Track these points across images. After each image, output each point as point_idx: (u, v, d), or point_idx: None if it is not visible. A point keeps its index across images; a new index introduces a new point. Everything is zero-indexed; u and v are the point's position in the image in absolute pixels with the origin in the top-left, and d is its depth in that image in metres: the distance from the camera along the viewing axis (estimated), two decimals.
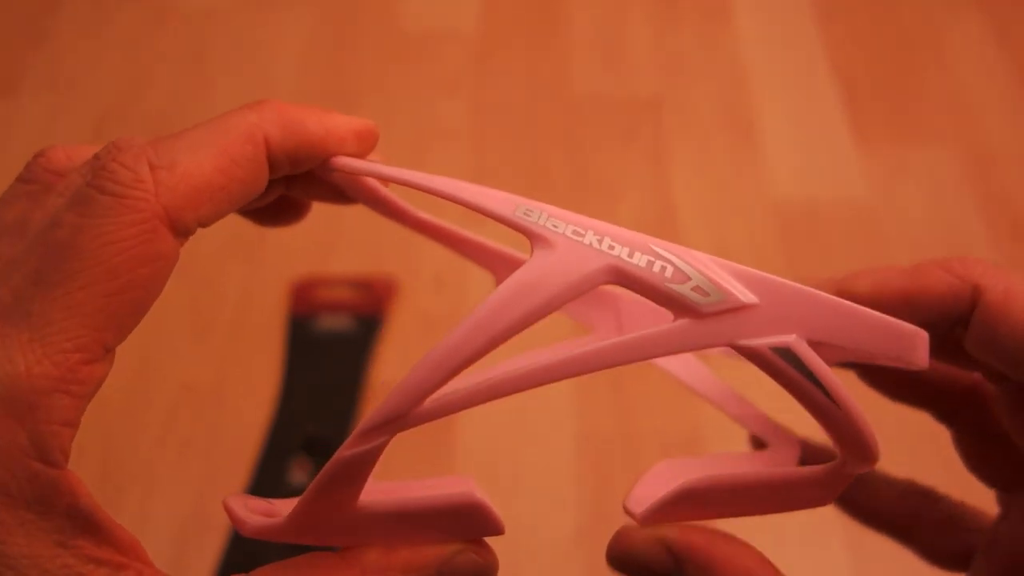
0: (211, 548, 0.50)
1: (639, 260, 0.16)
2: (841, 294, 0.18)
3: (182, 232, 0.16)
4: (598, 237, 0.16)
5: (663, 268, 0.16)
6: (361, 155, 0.19)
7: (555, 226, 0.17)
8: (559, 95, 0.74)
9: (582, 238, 0.16)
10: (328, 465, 0.17)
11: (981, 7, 0.82)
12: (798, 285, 0.16)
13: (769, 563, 0.18)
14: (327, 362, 0.58)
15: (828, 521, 0.51)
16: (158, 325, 0.59)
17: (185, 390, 0.57)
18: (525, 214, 0.17)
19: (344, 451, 0.17)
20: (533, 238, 0.17)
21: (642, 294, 0.16)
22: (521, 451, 0.54)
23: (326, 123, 0.18)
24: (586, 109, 0.73)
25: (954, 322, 0.17)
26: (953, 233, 0.65)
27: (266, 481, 0.52)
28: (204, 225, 0.16)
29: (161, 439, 0.55)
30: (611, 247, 0.16)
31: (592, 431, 0.54)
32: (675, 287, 0.16)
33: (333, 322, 0.60)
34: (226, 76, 0.75)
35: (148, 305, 0.15)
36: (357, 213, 0.74)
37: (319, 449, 0.54)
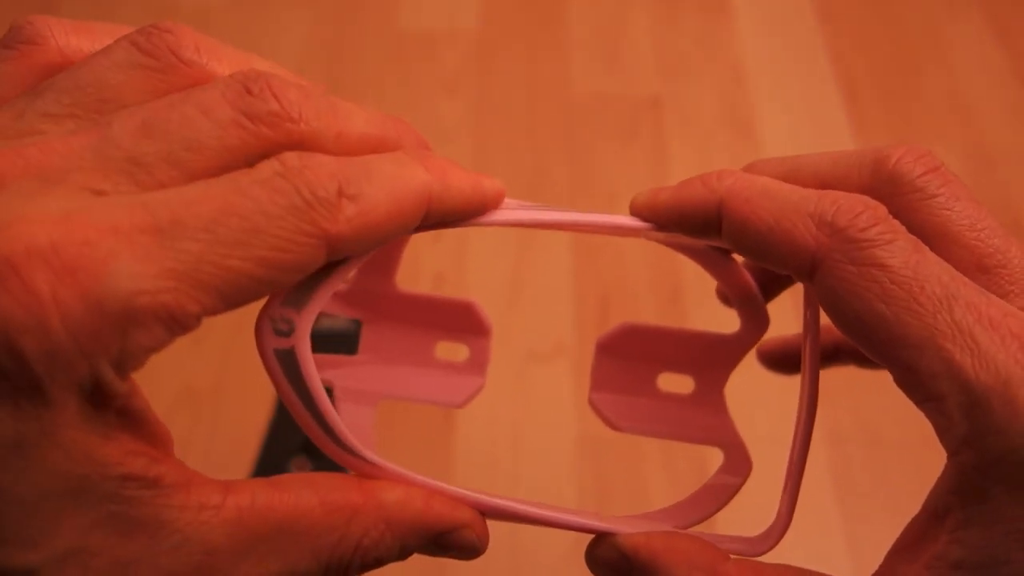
0: None
1: None
2: (632, 205, 0.21)
3: (332, 256, 0.16)
4: None
5: None
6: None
7: None
8: (559, 95, 0.74)
9: None
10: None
11: (981, 7, 0.82)
12: None
13: (710, 546, 0.19)
14: None
15: (829, 516, 0.51)
16: None
17: (185, 391, 0.57)
18: None
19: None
20: None
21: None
22: (521, 452, 0.54)
23: (478, 188, 0.19)
24: (586, 109, 0.73)
25: (711, 226, 0.19)
26: None
27: None
28: (346, 255, 0.17)
29: None
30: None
31: (592, 433, 0.54)
32: None
33: (333, 322, 0.60)
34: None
35: (256, 300, 0.16)
36: None
37: (319, 449, 0.54)
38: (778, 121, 0.73)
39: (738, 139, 0.71)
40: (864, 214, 0.17)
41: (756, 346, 0.28)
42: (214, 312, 0.16)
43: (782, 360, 0.30)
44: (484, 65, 0.77)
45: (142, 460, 0.16)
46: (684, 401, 0.26)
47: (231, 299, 0.16)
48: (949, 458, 0.17)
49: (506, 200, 0.20)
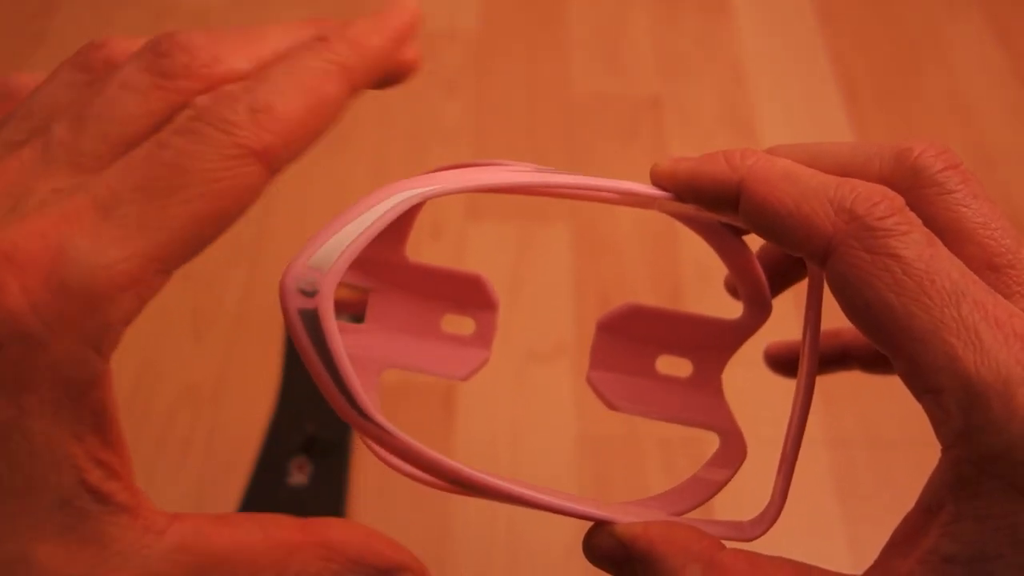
0: None
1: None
2: (652, 173, 0.22)
3: (275, 169, 0.17)
4: None
5: None
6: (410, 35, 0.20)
7: None
8: (559, 95, 0.74)
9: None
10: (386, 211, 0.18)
11: (981, 7, 0.82)
12: None
13: (706, 535, 0.19)
14: None
15: (831, 518, 0.51)
16: (159, 325, 0.59)
17: (185, 390, 0.57)
18: None
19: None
20: None
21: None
22: (521, 451, 0.54)
23: (392, 32, 0.19)
24: (586, 109, 0.73)
25: (728, 203, 0.20)
26: None
27: (266, 481, 0.52)
28: (292, 161, 0.18)
29: (161, 439, 0.54)
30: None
31: (592, 432, 0.54)
32: None
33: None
34: None
35: (219, 235, 0.17)
36: None
37: (319, 449, 0.54)
38: (778, 121, 0.73)
39: (738, 139, 0.71)
40: (882, 204, 0.17)
41: (763, 349, 0.29)
42: (179, 262, 0.16)
43: (788, 363, 0.30)
44: (484, 65, 0.77)
45: (100, 472, 0.16)
46: (682, 384, 0.26)
47: (188, 245, 0.16)
48: (944, 452, 0.17)
49: (514, 163, 0.20)
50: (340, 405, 0.18)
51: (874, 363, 0.28)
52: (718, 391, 0.25)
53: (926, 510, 0.17)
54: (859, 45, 0.79)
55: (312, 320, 0.17)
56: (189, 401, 0.56)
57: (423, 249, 0.63)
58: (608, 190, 0.21)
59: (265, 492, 0.52)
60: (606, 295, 0.61)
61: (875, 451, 0.54)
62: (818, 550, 0.50)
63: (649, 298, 0.61)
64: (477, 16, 0.80)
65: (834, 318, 0.27)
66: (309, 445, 0.54)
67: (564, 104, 0.74)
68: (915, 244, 0.17)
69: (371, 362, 0.24)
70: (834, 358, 0.28)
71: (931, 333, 0.16)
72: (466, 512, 0.51)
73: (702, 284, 0.62)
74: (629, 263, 0.63)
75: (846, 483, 0.53)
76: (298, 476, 0.53)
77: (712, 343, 0.25)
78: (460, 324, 0.26)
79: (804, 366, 0.21)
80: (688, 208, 0.22)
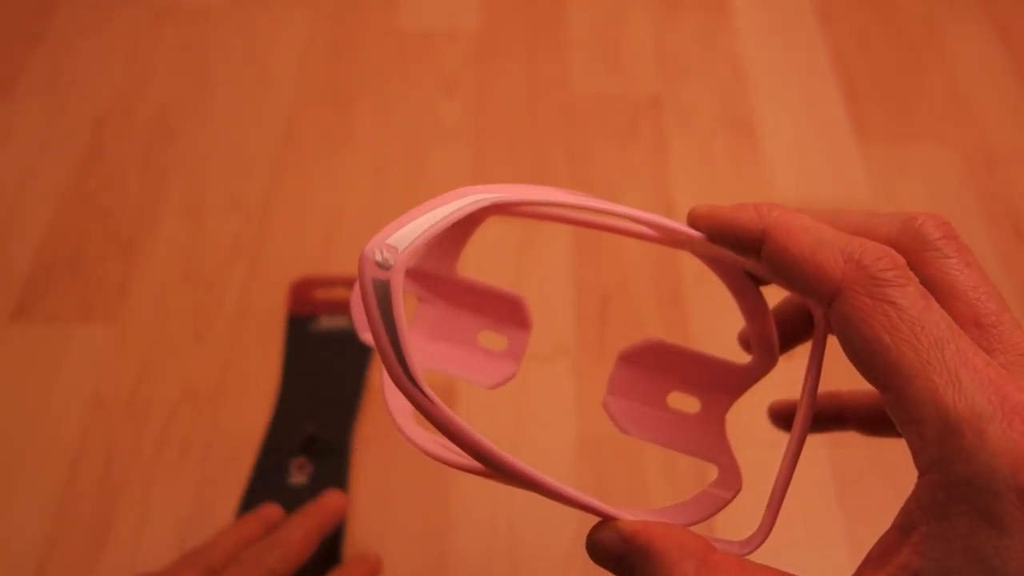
0: None
1: None
2: (690, 215, 0.24)
3: None
4: None
5: None
6: None
7: None
8: (559, 95, 0.74)
9: None
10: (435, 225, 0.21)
11: (981, 7, 0.82)
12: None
13: (701, 537, 0.21)
14: (327, 362, 0.57)
15: (831, 518, 0.51)
16: (159, 326, 0.59)
17: (185, 391, 0.57)
18: None
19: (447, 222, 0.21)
20: None
21: None
22: (521, 452, 0.54)
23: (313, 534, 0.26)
24: (586, 109, 0.73)
25: (753, 247, 0.23)
26: None
27: (266, 481, 0.52)
28: None
29: (161, 440, 0.54)
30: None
31: (593, 433, 0.54)
32: None
33: (333, 322, 0.60)
34: (225, 76, 0.75)
35: None
36: (356, 214, 0.74)
37: (319, 449, 0.54)
38: (778, 121, 0.73)
39: (738, 139, 0.71)
40: (885, 259, 0.20)
41: (767, 406, 0.30)
42: None
43: (789, 419, 0.32)
44: (484, 65, 0.77)
45: None
46: (689, 419, 0.28)
47: None
48: (920, 477, 0.19)
49: (551, 189, 0.22)
50: (394, 370, 0.20)
51: (869, 425, 0.31)
52: (721, 429, 0.27)
53: (900, 530, 0.19)
54: (859, 45, 0.79)
55: (384, 290, 0.19)
56: (189, 401, 0.56)
57: None
58: (651, 224, 0.23)
59: (265, 492, 0.52)
60: (606, 295, 0.61)
61: (875, 451, 0.54)
62: (818, 550, 0.50)
63: (649, 300, 0.61)
64: (477, 16, 0.80)
65: (834, 377, 0.28)
66: (309, 445, 0.54)
67: (564, 104, 0.74)
68: (911, 296, 0.20)
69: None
70: (832, 417, 0.31)
71: (917, 371, 0.19)
72: (466, 512, 0.52)
73: (703, 284, 0.62)
74: (629, 263, 0.63)
75: (846, 483, 0.53)
76: (298, 476, 0.53)
77: (721, 385, 0.27)
78: (494, 341, 0.28)
79: (802, 409, 0.23)
80: (718, 250, 0.24)
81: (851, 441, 0.55)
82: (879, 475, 0.53)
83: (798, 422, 0.23)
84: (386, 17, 0.81)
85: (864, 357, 0.20)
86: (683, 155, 0.70)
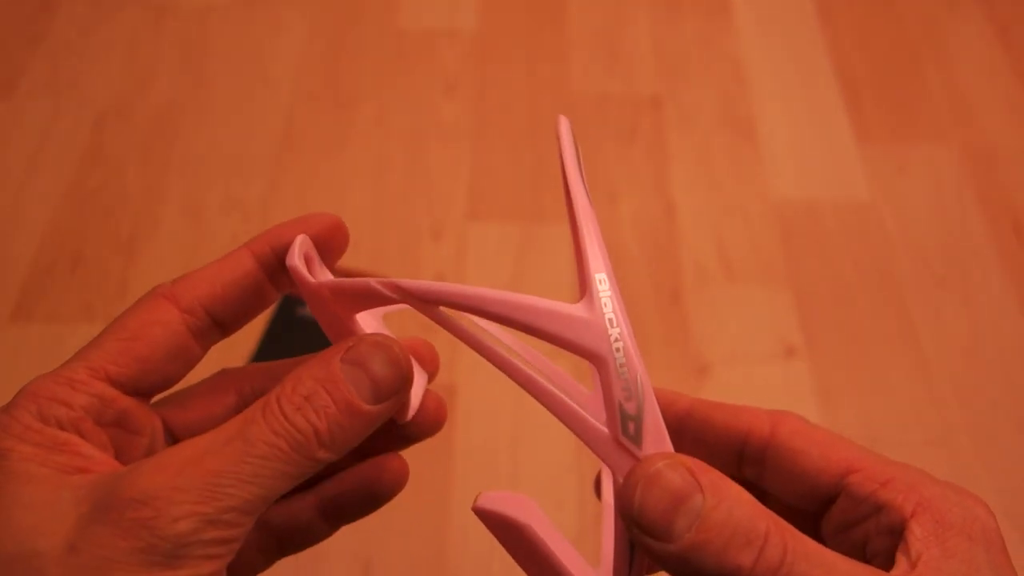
0: None
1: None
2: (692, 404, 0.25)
3: (185, 309, 0.23)
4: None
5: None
6: (337, 243, 0.25)
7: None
8: (559, 95, 0.74)
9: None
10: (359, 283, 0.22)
11: (981, 6, 0.81)
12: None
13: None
14: (304, 347, 0.57)
15: None
16: None
17: None
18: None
19: (373, 284, 0.21)
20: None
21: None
22: (521, 452, 0.54)
23: (300, 225, 0.25)
24: (586, 108, 0.73)
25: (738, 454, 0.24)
26: (954, 232, 0.65)
27: None
28: (220, 313, 0.24)
29: None
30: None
31: None
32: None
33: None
34: (225, 75, 0.75)
35: (155, 355, 0.23)
36: (356, 214, 0.74)
37: None
38: (778, 121, 0.73)
39: (738, 139, 0.71)
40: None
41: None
42: (120, 374, 0.23)
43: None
44: (484, 65, 0.77)
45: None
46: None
47: (129, 364, 0.23)
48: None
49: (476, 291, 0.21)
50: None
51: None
52: None
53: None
54: (859, 45, 0.79)
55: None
56: None
57: (424, 249, 0.63)
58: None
59: None
60: None
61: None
62: None
63: (649, 300, 0.61)
64: (477, 16, 0.80)
65: None
66: None
67: (564, 104, 0.74)
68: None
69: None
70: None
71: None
72: (466, 512, 0.51)
73: (703, 285, 0.62)
74: (629, 263, 0.63)
75: None
76: None
77: None
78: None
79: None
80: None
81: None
82: None
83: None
84: (386, 17, 0.81)
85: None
86: (683, 155, 0.70)
